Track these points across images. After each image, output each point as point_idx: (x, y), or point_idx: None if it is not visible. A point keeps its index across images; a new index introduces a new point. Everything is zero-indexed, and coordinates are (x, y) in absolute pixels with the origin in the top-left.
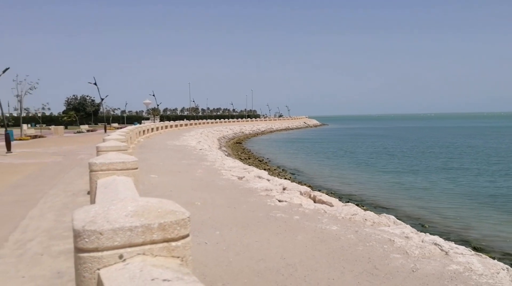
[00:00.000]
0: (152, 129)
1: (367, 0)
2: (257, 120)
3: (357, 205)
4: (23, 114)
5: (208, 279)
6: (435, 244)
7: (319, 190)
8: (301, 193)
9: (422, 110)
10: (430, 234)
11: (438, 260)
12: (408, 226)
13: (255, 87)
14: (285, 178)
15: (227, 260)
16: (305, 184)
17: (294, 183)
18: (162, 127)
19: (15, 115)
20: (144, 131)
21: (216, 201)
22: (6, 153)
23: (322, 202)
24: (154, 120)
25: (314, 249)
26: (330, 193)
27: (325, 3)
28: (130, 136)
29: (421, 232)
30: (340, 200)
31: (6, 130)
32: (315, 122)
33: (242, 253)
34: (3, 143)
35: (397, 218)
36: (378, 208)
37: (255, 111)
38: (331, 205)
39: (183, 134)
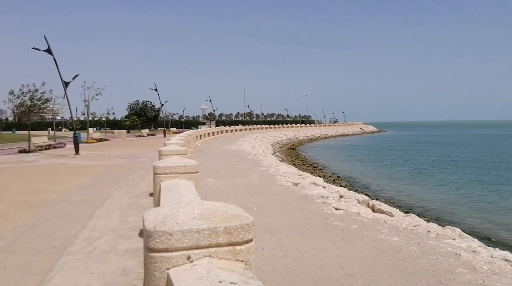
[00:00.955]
0: (208, 133)
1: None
2: (311, 126)
3: (419, 216)
4: (89, 118)
5: (266, 285)
6: (506, 260)
7: (377, 199)
8: (358, 202)
9: (490, 116)
10: (500, 249)
11: (510, 277)
12: (475, 239)
13: (310, 93)
14: (341, 186)
15: (285, 267)
16: (362, 193)
17: (351, 191)
18: (217, 132)
19: (82, 119)
20: (200, 135)
21: (272, 206)
22: (75, 155)
23: (382, 212)
24: (210, 125)
25: (374, 260)
26: (389, 202)
27: (384, 16)
28: (188, 141)
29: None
30: (400, 210)
31: (74, 134)
32: (372, 128)
33: (300, 260)
34: (72, 145)
35: (463, 232)
36: (441, 220)
37: (309, 116)
38: (391, 215)
39: (238, 139)
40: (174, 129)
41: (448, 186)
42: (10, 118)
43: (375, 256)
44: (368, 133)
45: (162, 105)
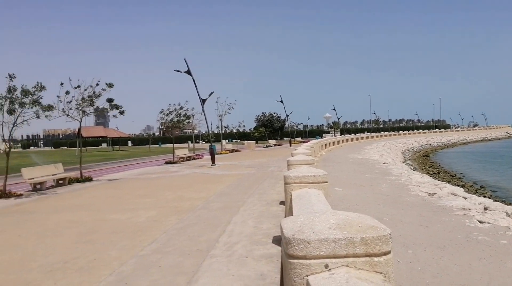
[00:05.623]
0: (333, 142)
1: None
2: (446, 131)
3: None
4: (222, 131)
5: None
6: None
7: None
8: (507, 214)
9: None
10: None
11: None
12: None
13: (443, 95)
14: (485, 196)
15: (423, 282)
16: (511, 204)
17: (498, 202)
18: (342, 141)
19: (216, 132)
20: (326, 144)
21: (405, 218)
22: (211, 165)
23: None
24: (334, 133)
25: None
26: None
27: None
28: (314, 150)
29: None
30: None
31: (211, 146)
32: None
33: (440, 276)
34: (209, 156)
35: None
36: None
37: (444, 121)
38: None
39: (364, 147)
40: (299, 139)
41: None
42: (156, 133)
43: None
44: None
45: (287, 115)
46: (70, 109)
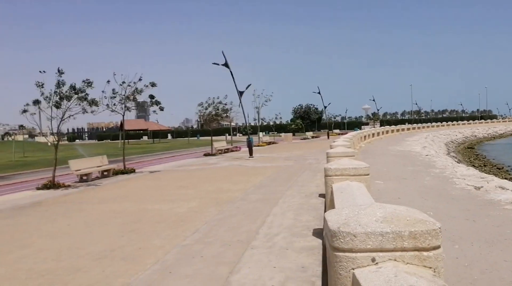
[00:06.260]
0: (373, 134)
1: None
2: (493, 122)
3: None
4: (259, 123)
5: None
6: None
7: None
8: None
9: None
10: None
11: None
12: None
13: (489, 84)
14: None
15: (471, 278)
16: None
17: None
18: (382, 132)
19: (253, 124)
20: (365, 136)
21: (451, 212)
22: (249, 157)
23: None
24: (373, 125)
25: None
26: None
27: None
28: (353, 142)
29: None
30: None
31: (248, 138)
32: None
33: (489, 272)
34: (246, 148)
35: None
36: None
37: (490, 111)
38: None
39: (405, 139)
40: (337, 131)
41: None
42: (195, 126)
43: None
44: None
45: (325, 107)
46: (114, 104)
